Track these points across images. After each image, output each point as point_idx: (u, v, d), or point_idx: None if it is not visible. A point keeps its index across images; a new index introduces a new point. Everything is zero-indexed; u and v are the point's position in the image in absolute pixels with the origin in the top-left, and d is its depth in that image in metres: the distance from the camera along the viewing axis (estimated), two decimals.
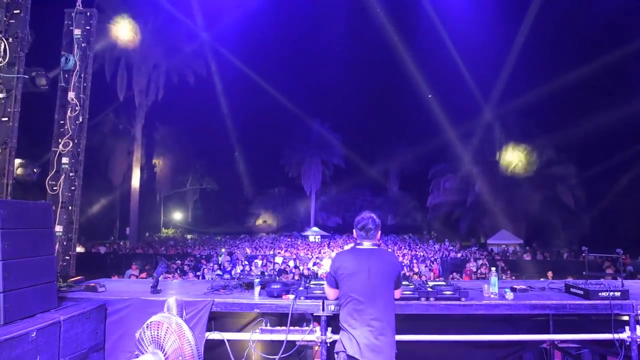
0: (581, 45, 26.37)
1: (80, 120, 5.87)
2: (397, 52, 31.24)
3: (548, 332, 4.37)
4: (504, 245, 28.02)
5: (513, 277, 14.99)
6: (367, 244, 3.14)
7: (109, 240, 27.40)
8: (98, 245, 24.12)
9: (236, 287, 4.22)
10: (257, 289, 3.89)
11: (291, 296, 3.77)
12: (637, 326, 3.72)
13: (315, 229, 38.45)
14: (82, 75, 5.91)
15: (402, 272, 3.13)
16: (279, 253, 22.48)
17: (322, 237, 36.36)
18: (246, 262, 16.77)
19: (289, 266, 15.76)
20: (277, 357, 3.60)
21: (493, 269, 3.86)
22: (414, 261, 18.48)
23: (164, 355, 2.30)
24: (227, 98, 35.54)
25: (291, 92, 36.87)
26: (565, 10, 25.66)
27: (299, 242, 31.79)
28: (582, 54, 26.53)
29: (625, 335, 3.73)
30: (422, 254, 23.06)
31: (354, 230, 3.26)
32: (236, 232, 37.78)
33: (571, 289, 4.06)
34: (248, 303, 3.72)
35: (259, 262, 15.77)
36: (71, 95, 5.70)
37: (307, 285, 3.82)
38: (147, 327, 2.42)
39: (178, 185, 40.42)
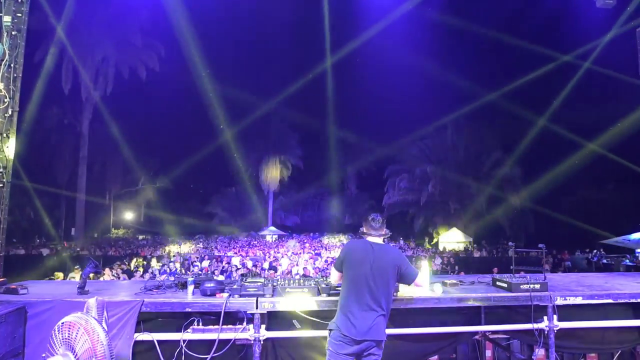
0: (527, 47, 27.58)
1: (10, 113, 5.56)
2: (353, 54, 31.63)
3: (480, 324, 4.60)
4: (455, 243, 29.09)
5: (462, 273, 15.62)
6: (374, 238, 3.49)
7: (51, 242, 25.85)
8: (40, 247, 22.78)
9: (171, 286, 4.12)
10: (191, 287, 3.82)
11: (225, 294, 3.74)
12: (555, 316, 3.98)
13: (273, 228, 38.22)
14: (13, 65, 5.61)
15: (405, 265, 3.44)
16: (235, 254, 22.17)
17: (280, 236, 36.23)
18: (198, 263, 16.45)
19: (245, 266, 15.62)
20: (208, 356, 3.55)
21: (425, 263, 3.99)
22: None
23: (75, 357, 2.21)
24: (182, 94, 34.53)
25: (249, 90, 36.37)
26: (507, 15, 26.71)
27: (255, 242, 31.52)
28: (527, 57, 27.80)
29: (543, 324, 3.97)
30: None
31: (363, 225, 3.58)
32: (192, 232, 36.86)
33: (497, 282, 4.27)
34: (179, 302, 3.64)
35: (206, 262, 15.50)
36: None
37: (242, 283, 3.80)
38: (58, 328, 2.31)
39: (129, 184, 38.85)
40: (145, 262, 17.01)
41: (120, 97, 29.33)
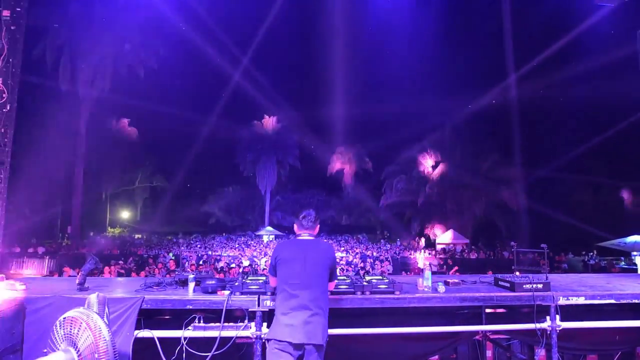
0: (528, 47, 27.59)
1: (8, 108, 5.52)
2: (351, 54, 31.71)
3: (481, 324, 4.57)
4: (452, 245, 29.08)
5: (457, 274, 15.61)
6: (305, 235, 3.31)
7: (48, 240, 25.71)
8: (36, 245, 22.59)
9: (171, 283, 4.09)
10: (192, 285, 3.78)
11: (226, 292, 3.70)
12: (557, 316, 3.96)
13: (269, 228, 38.09)
14: (11, 60, 5.57)
15: (337, 262, 3.30)
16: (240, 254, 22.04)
17: (276, 236, 36.12)
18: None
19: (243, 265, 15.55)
20: (209, 354, 3.51)
21: (427, 263, 3.97)
22: (368, 260, 18.76)
23: (77, 353, 2.18)
24: (180, 92, 34.48)
25: (246, 90, 36.32)
26: (507, 15, 26.69)
27: (249, 242, 31.46)
28: (528, 56, 27.84)
29: (546, 324, 3.95)
30: (374, 253, 23.53)
31: (295, 223, 3.41)
32: (188, 231, 36.77)
33: (499, 282, 4.25)
34: (180, 299, 3.61)
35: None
36: None
37: (243, 280, 3.76)
38: (60, 323, 2.28)
39: (126, 182, 38.71)
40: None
41: (118, 95, 29.18)
